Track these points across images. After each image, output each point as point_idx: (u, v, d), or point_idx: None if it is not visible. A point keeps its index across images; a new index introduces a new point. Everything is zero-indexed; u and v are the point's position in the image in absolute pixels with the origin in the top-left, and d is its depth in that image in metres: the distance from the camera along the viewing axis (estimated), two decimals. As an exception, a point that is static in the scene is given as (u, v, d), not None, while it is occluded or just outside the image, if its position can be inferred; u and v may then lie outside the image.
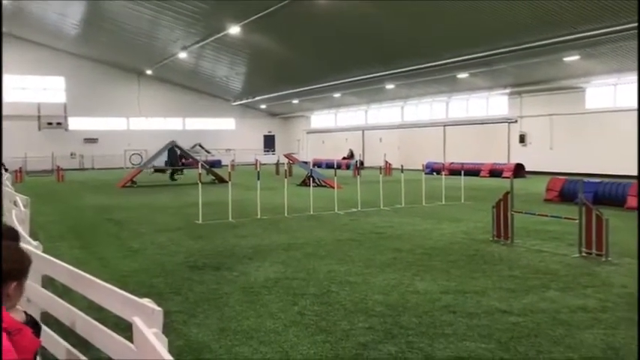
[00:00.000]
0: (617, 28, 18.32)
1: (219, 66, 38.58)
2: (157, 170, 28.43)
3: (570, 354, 4.73)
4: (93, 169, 44.46)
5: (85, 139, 46.29)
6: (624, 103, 27.00)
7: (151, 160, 28.71)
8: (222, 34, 27.64)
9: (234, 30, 26.20)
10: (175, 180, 27.51)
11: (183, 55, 34.20)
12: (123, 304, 2.68)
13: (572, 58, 23.85)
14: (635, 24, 17.75)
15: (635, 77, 25.65)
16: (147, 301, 2.49)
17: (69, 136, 45.18)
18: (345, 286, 6.99)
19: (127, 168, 39.67)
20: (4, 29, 27.88)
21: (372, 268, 8.05)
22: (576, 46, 21.48)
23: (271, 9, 21.88)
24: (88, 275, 3.24)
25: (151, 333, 2.14)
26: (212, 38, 29.20)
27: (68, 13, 32.60)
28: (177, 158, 29.03)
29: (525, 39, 21.22)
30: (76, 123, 45.86)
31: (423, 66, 26.97)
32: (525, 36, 21.05)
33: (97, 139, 46.57)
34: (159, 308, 2.40)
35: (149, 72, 44.28)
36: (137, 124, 48.46)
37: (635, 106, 26.16)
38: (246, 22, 24.60)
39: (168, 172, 28.30)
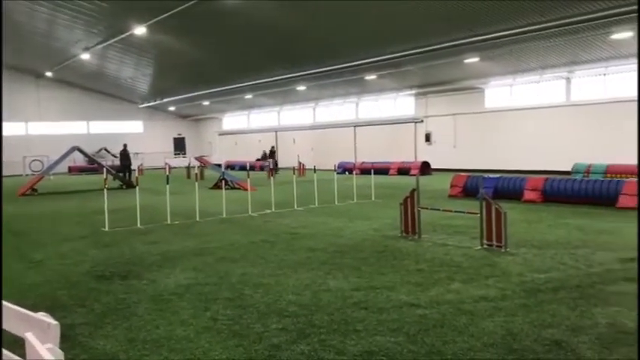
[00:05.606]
0: (512, 31, 19.45)
1: (124, 67, 37.22)
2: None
3: (474, 342, 4.97)
4: (-12, 177, 41.53)
5: (-22, 146, 43.24)
6: (519, 103, 28.80)
7: (53, 166, 27.22)
8: (126, 34, 26.64)
9: (140, 30, 25.32)
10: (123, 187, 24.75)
11: (85, 56, 32.66)
12: (16, 319, 2.54)
13: (472, 60, 25.08)
14: (525, 28, 18.99)
15: (526, 78, 27.49)
16: (42, 315, 2.37)
17: (-41, 143, 41.96)
18: (259, 288, 6.97)
19: (27, 175, 37.41)
20: None
21: (285, 268, 8.09)
22: (475, 49, 22.58)
23: (178, 9, 21.36)
24: (-23, 291, 3.05)
25: (44, 348, 2.04)
26: (116, 39, 28.09)
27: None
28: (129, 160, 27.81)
29: (429, 41, 22.06)
30: (-33, 128, 42.65)
31: (332, 68, 27.38)
32: (428, 38, 21.88)
33: (-9, 145, 43.60)
34: (55, 322, 2.30)
35: (49, 74, 41.95)
36: (37, 129, 45.85)
37: (526, 105, 28.11)
38: (152, 22, 23.86)
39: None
